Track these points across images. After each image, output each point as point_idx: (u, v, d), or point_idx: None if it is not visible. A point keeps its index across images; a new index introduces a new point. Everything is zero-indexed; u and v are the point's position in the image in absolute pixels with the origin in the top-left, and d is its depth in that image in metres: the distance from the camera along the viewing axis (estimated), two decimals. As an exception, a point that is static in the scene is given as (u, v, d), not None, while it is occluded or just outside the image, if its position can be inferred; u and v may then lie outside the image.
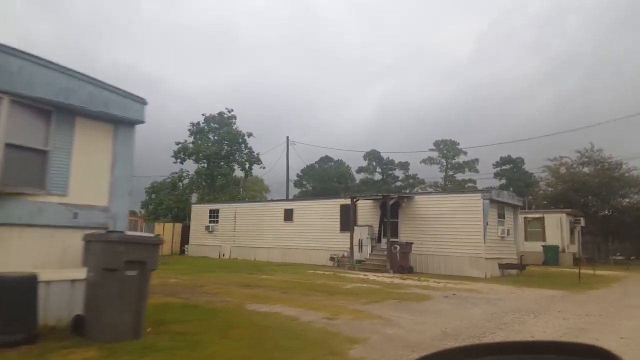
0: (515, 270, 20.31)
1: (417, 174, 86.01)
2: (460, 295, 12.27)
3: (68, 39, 69.99)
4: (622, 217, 34.81)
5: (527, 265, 20.39)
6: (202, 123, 37.00)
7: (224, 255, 28.63)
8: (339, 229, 23.67)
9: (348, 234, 22.26)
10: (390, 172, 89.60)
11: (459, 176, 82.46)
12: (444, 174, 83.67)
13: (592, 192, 35.99)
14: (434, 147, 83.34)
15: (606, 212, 36.67)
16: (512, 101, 76.68)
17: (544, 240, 30.09)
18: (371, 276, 17.36)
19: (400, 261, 19.51)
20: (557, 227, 29.59)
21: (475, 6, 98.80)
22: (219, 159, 37.03)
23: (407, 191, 79.85)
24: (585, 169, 38.43)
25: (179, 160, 36.11)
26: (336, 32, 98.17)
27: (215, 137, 36.83)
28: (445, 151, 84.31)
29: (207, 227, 29.72)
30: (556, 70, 78.00)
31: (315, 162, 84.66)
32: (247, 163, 38.10)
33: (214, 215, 29.86)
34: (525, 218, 31.16)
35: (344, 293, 11.70)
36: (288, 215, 26.07)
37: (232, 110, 38.05)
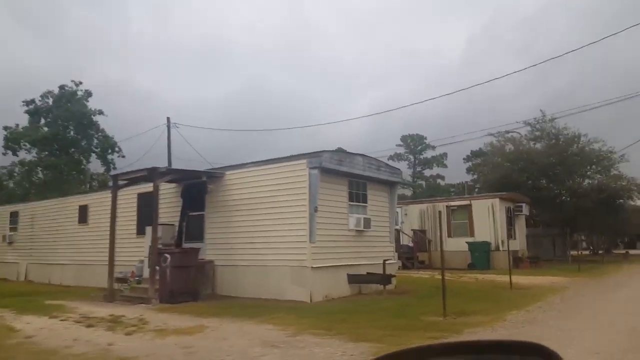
0: (379, 286, 12.33)
1: None
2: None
3: (58, 59, 64.07)
4: (581, 202, 27.14)
5: (392, 277, 12.38)
6: (39, 101, 28.66)
7: (19, 276, 20.28)
8: (135, 231, 15.53)
9: (145, 238, 14.15)
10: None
11: (427, 172, 76.04)
12: (412, 170, 76.97)
13: (543, 172, 28.32)
14: (402, 143, 76.39)
15: (564, 198, 29.00)
16: (500, 103, 70.78)
17: (471, 235, 22.24)
18: (58, 322, 9.16)
19: (172, 283, 11.33)
20: (488, 216, 21.77)
21: (464, 13, 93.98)
22: (64, 146, 28.81)
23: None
24: (538, 145, 30.79)
25: (9, 151, 27.61)
26: (329, 43, 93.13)
27: (49, 119, 28.35)
28: (412, 146, 77.43)
29: (5, 237, 21.31)
30: (542, 72, 72.55)
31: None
32: (97, 149, 29.76)
33: (14, 220, 21.45)
34: (448, 207, 23.30)
35: None
36: (82, 214, 17.84)
37: (81, 83, 29.67)
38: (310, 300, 10.90)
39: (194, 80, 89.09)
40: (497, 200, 21.80)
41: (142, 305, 11.23)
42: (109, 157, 29.88)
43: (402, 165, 75.58)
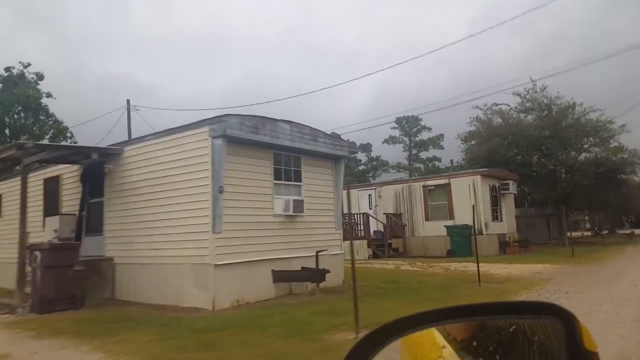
0: (312, 285, 9.85)
1: (380, 156, 76.40)
2: None
3: (60, 53, 62.91)
4: (577, 178, 24.48)
5: (326, 272, 9.83)
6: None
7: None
8: (42, 223, 13.06)
9: (50, 230, 11.76)
10: (352, 155, 79.63)
11: (424, 154, 73.15)
12: (408, 152, 74.07)
13: (535, 146, 25.61)
14: (396, 125, 73.32)
15: (558, 174, 26.26)
16: (502, 85, 67.70)
17: (451, 217, 19.70)
18: None
19: (43, 287, 8.90)
20: (468, 196, 19.20)
21: None
22: (14, 132, 26.40)
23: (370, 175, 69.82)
24: (529, 118, 27.99)
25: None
26: (330, 26, 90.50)
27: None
28: (407, 128, 74.37)
29: None
30: (545, 52, 69.41)
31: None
32: (47, 135, 27.27)
33: None
34: (425, 187, 20.73)
35: None
36: (-4, 206, 15.40)
37: (30, 65, 27.04)
38: (213, 307, 8.44)
39: (196, 69, 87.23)
40: (478, 177, 19.20)
41: (6, 315, 8.84)
42: (62, 143, 27.47)
43: (398, 148, 72.66)
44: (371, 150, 76.79)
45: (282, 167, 10.42)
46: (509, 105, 28.54)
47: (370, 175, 69.17)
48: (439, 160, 68.57)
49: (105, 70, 66.68)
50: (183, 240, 9.09)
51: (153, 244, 9.69)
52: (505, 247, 19.66)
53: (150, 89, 68.87)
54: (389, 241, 19.91)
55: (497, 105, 28.41)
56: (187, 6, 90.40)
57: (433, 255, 19.03)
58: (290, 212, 10.15)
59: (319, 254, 9.90)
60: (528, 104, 27.88)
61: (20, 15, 60.84)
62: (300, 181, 10.83)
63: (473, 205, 12.21)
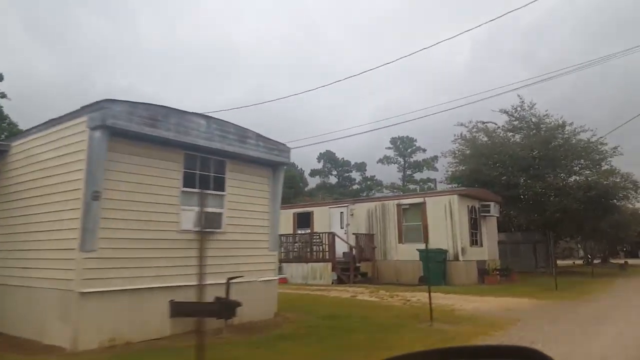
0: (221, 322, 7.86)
1: (374, 175, 75.23)
2: None
3: (66, 67, 63.54)
4: (565, 201, 22.63)
5: (237, 305, 7.83)
6: None
7: None
8: None
9: None
10: (347, 174, 78.22)
11: (418, 175, 71.99)
12: (402, 173, 72.88)
13: (522, 167, 23.83)
14: (391, 145, 72.17)
15: (549, 197, 24.40)
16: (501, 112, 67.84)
17: (426, 240, 17.72)
18: None
19: None
20: (445, 217, 17.28)
21: (467, 21, 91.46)
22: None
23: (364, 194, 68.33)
24: (517, 137, 26.31)
25: None
26: (332, 51, 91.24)
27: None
28: (402, 148, 73.23)
29: None
30: (543, 81, 69.93)
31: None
32: (1, 137, 25.33)
33: None
34: (399, 205, 18.80)
35: None
36: None
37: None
38: (75, 347, 6.43)
39: (200, 88, 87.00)
40: (455, 197, 17.29)
41: None
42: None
43: (392, 168, 71.32)
44: (366, 170, 75.40)
45: (198, 172, 8.53)
46: (496, 124, 26.93)
47: (364, 194, 67.60)
48: (433, 181, 66.96)
49: (111, 83, 66.71)
50: (50, 259, 7.15)
51: (24, 262, 7.75)
52: (484, 276, 17.71)
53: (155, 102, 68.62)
54: (357, 265, 17.95)
55: (483, 123, 26.78)
56: (193, 23, 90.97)
57: (405, 283, 17.06)
58: (210, 228, 8.22)
59: (232, 281, 7.94)
60: (516, 122, 26.27)
61: (28, 27, 60.64)
62: (224, 190, 8.93)
63: (425, 226, 10.30)
